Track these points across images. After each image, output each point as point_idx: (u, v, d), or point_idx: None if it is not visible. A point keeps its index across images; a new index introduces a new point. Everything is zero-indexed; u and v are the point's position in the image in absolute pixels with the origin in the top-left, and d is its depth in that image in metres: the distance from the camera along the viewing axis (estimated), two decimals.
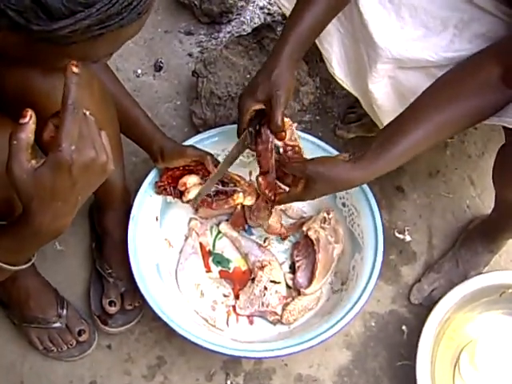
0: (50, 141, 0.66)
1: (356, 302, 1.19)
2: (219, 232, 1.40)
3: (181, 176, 1.24)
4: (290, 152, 1.13)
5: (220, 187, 1.23)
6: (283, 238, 1.42)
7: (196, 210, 1.40)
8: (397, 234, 1.47)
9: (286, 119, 1.11)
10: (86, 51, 0.71)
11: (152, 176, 1.30)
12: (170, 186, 1.25)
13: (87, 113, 0.67)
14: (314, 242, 1.32)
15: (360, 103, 1.28)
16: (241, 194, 1.21)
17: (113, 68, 1.61)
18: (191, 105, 1.51)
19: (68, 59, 0.66)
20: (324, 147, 1.34)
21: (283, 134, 1.07)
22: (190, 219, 1.40)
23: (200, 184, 1.22)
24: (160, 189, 1.25)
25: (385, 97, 1.16)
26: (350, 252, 1.34)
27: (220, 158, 1.34)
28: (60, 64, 0.71)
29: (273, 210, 1.27)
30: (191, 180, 1.23)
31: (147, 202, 1.29)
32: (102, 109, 1.04)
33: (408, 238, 1.46)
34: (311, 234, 1.32)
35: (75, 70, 0.64)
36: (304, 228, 1.34)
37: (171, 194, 1.26)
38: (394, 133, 0.97)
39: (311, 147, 1.31)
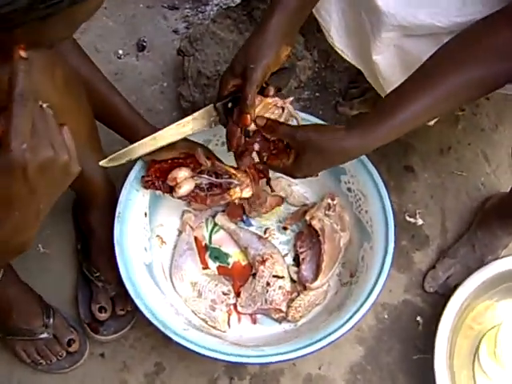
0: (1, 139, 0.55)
1: (367, 297, 1.12)
2: (215, 224, 1.33)
3: (170, 169, 1.14)
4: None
5: (214, 179, 1.12)
6: (285, 228, 1.35)
7: (189, 202, 1.30)
8: (407, 218, 1.40)
9: (275, 98, 1.04)
10: (37, 35, 0.62)
11: (138, 168, 1.21)
12: (159, 181, 1.15)
13: (44, 105, 0.59)
14: (319, 231, 1.24)
15: (363, 76, 1.21)
16: (237, 188, 1.11)
17: (91, 49, 1.55)
18: (178, 86, 1.40)
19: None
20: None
21: (247, 117, 0.97)
22: (183, 212, 1.32)
23: (192, 177, 1.10)
24: (147, 184, 1.16)
25: (390, 68, 1.10)
26: (358, 241, 1.26)
27: (211, 145, 1.24)
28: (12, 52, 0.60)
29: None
30: (182, 174, 1.13)
31: (134, 198, 1.20)
32: (67, 98, 0.95)
33: (420, 222, 1.39)
34: (315, 223, 1.23)
35: (23, 54, 0.56)
36: (307, 217, 1.26)
37: (160, 189, 1.16)
38: (394, 102, 0.91)
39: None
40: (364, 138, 0.91)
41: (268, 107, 1.03)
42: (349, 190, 1.28)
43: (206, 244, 1.32)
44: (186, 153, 1.14)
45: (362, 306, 1.11)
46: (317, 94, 1.51)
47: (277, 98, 1.04)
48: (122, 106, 1.11)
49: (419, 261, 1.35)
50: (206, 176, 1.16)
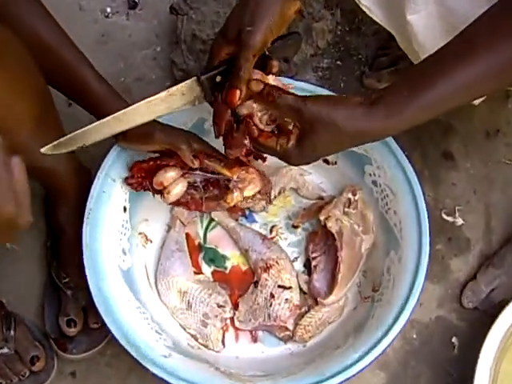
0: None
1: (393, 323, 0.94)
2: (212, 220, 1.15)
3: (156, 169, 0.96)
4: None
5: (209, 175, 0.96)
6: (295, 226, 1.15)
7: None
8: (445, 216, 1.21)
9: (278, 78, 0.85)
10: None
11: (115, 153, 1.02)
12: (146, 181, 0.99)
13: None
14: (336, 235, 1.06)
15: (395, 41, 1.06)
16: (236, 193, 0.95)
17: (74, 7, 1.38)
18: (172, 52, 1.18)
19: None
20: None
21: (235, 92, 0.78)
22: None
23: (183, 176, 0.94)
24: (133, 185, 1.00)
25: (429, 30, 0.95)
26: (384, 247, 1.07)
27: (206, 126, 1.02)
28: None
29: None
30: (169, 175, 0.95)
31: (110, 190, 1.02)
32: (20, 78, 0.78)
33: (459, 221, 1.21)
34: (331, 225, 1.05)
35: None
36: (321, 216, 1.08)
37: (150, 190, 1.00)
38: (432, 71, 0.74)
39: None
40: (390, 118, 0.74)
41: None
42: (374, 183, 1.08)
43: (199, 243, 1.14)
44: (168, 149, 0.92)
45: (386, 334, 0.92)
46: (338, 63, 1.32)
47: (280, 79, 0.85)
48: (90, 79, 0.91)
49: (457, 269, 1.18)
50: (200, 172, 0.97)
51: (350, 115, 0.75)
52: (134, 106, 0.85)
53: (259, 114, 0.81)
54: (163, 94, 0.85)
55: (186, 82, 0.84)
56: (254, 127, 0.81)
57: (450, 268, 1.18)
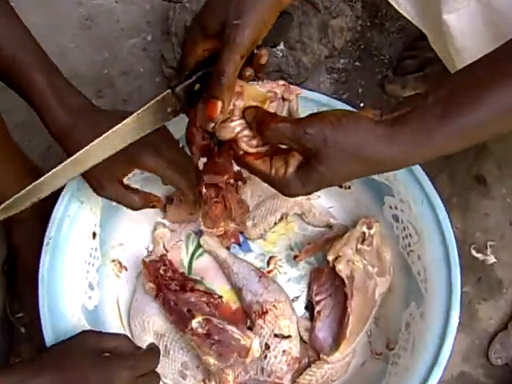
0: None
1: None
2: (199, 246, 1.00)
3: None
4: None
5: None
6: (297, 259, 0.99)
7: (164, 211, 1.00)
8: (474, 253, 1.09)
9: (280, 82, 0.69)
10: None
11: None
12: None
13: None
14: (346, 281, 0.89)
15: (425, 42, 0.97)
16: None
17: None
18: (162, 46, 1.02)
19: None
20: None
21: (215, 104, 0.63)
22: (156, 225, 1.01)
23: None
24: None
25: (469, 33, 0.84)
26: (403, 294, 0.91)
27: None
28: None
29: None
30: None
31: (76, 213, 0.88)
32: None
33: (491, 259, 1.09)
34: (341, 268, 0.89)
35: None
36: (330, 256, 0.91)
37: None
38: (473, 85, 0.61)
39: None
40: (417, 144, 0.60)
41: (258, 99, 0.67)
42: (395, 218, 0.92)
43: (183, 273, 0.97)
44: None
45: None
46: (357, 64, 1.20)
47: (273, 84, 0.68)
48: (32, 68, 0.72)
49: (486, 316, 1.06)
50: None
51: (364, 138, 0.60)
52: (96, 141, 0.68)
53: (245, 139, 0.65)
54: (130, 119, 0.69)
55: (157, 98, 0.68)
56: (238, 149, 0.66)
57: (477, 315, 1.06)
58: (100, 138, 0.68)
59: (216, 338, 0.84)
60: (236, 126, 0.65)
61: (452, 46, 0.85)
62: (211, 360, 0.84)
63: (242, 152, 0.66)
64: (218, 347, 0.83)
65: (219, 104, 0.63)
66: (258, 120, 0.65)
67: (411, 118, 0.60)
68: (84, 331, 0.80)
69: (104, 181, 0.75)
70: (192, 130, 0.66)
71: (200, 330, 0.84)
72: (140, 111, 0.67)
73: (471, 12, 0.81)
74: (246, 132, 0.65)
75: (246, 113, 0.65)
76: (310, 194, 0.66)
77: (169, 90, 0.67)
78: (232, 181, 0.76)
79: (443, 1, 0.80)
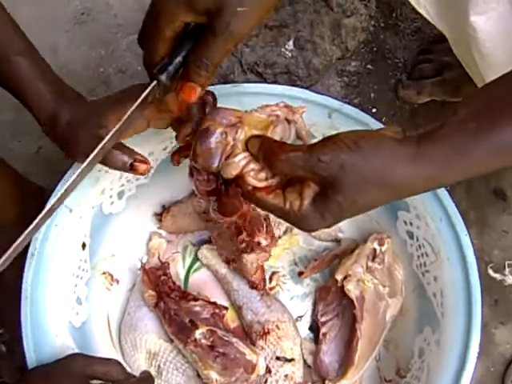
0: None
1: None
2: (197, 259, 0.94)
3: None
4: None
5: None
6: (301, 275, 0.94)
7: (159, 220, 0.96)
8: (491, 273, 1.03)
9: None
10: None
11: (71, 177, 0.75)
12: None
13: None
14: (356, 302, 0.83)
15: (441, 44, 0.97)
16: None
17: None
18: None
19: None
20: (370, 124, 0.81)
21: (194, 91, 0.59)
22: (151, 235, 0.96)
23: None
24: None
25: (498, 37, 0.79)
26: (416, 317, 0.86)
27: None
28: None
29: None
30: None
31: (63, 222, 0.81)
32: None
33: (509, 280, 1.03)
34: (350, 288, 0.83)
35: None
36: (338, 276, 0.85)
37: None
38: (509, 98, 0.55)
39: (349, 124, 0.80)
40: (451, 163, 0.55)
41: (259, 126, 0.63)
42: (410, 235, 0.86)
43: (179, 288, 0.92)
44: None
45: None
46: (369, 67, 1.14)
47: (272, 106, 0.63)
48: (22, 65, 0.68)
49: (503, 341, 1.00)
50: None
51: (387, 161, 0.55)
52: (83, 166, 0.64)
53: (253, 173, 0.60)
54: (120, 125, 0.63)
55: (144, 94, 0.62)
56: (246, 185, 0.61)
57: (493, 339, 1.00)
58: (94, 153, 0.63)
59: (221, 350, 0.80)
60: (240, 161, 0.61)
61: (477, 49, 0.80)
62: (214, 375, 0.80)
63: (250, 187, 0.61)
64: (222, 360, 0.79)
65: (199, 90, 0.59)
66: (264, 151, 0.60)
67: (442, 135, 0.55)
68: (71, 354, 0.74)
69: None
70: (195, 175, 0.64)
71: (204, 342, 0.80)
72: (128, 114, 0.62)
73: (501, 14, 0.77)
74: (253, 165, 0.61)
75: (250, 144, 0.61)
76: (331, 226, 0.60)
77: (155, 83, 0.61)
78: None
79: (471, 1, 0.75)
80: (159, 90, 0.61)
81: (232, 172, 0.61)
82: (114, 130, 0.62)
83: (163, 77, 0.60)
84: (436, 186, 0.59)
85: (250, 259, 0.83)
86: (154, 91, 0.62)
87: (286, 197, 0.59)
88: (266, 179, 0.60)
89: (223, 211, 0.66)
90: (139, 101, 0.62)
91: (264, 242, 0.79)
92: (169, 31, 0.58)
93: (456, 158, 0.54)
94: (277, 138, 0.62)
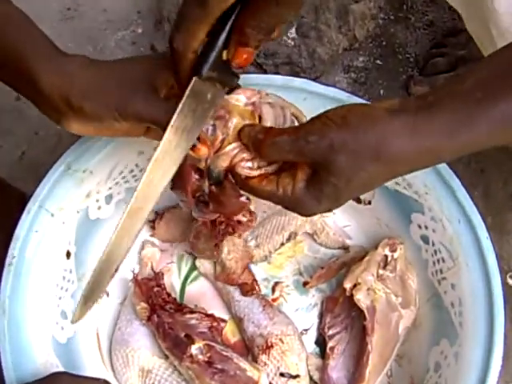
0: None
1: None
2: (194, 268, 0.92)
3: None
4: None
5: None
6: (307, 286, 0.91)
7: (152, 228, 0.93)
8: (510, 282, 1.02)
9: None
10: None
11: (54, 177, 0.78)
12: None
13: None
14: (366, 313, 0.80)
15: (457, 38, 0.99)
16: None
17: None
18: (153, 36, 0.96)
19: None
20: None
21: (250, 53, 0.58)
22: (143, 244, 0.93)
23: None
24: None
25: None
26: (431, 330, 0.82)
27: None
28: None
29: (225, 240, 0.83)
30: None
31: (45, 228, 0.78)
32: None
33: None
34: (361, 298, 0.80)
35: None
36: (347, 284, 0.83)
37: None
38: None
39: None
40: (456, 136, 0.53)
41: (246, 115, 0.62)
42: (425, 239, 0.83)
43: (174, 300, 0.89)
44: None
45: None
46: (378, 62, 1.14)
47: (245, 92, 0.62)
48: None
49: None
50: None
51: (380, 134, 0.53)
52: (145, 176, 0.60)
53: (244, 164, 0.60)
54: (168, 135, 0.59)
55: (186, 94, 0.59)
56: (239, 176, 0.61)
57: None
58: (148, 170, 0.59)
59: (219, 366, 0.77)
60: (230, 151, 0.61)
61: (495, 24, 0.77)
62: None
63: (244, 177, 0.61)
64: (221, 377, 0.77)
65: (254, 53, 0.59)
66: (252, 139, 0.59)
67: (444, 105, 0.53)
68: (56, 373, 0.70)
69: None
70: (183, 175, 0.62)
71: (200, 357, 0.77)
72: (174, 119, 0.58)
73: None
74: (244, 154, 0.61)
75: (242, 134, 0.60)
76: (330, 210, 0.60)
77: (195, 79, 0.59)
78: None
79: None
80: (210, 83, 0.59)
81: (222, 164, 0.61)
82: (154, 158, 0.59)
83: (204, 70, 0.58)
84: (436, 160, 0.57)
85: (232, 259, 0.84)
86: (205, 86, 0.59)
87: (279, 182, 0.59)
88: (259, 168, 0.60)
89: (225, 211, 0.65)
90: (181, 104, 0.58)
91: (244, 219, 0.78)
92: (218, 11, 0.56)
93: (459, 129, 0.52)
94: (270, 125, 0.62)
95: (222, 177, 0.62)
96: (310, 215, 0.61)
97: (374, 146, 0.53)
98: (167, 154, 0.60)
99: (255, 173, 0.60)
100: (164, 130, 0.59)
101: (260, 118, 0.62)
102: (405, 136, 0.53)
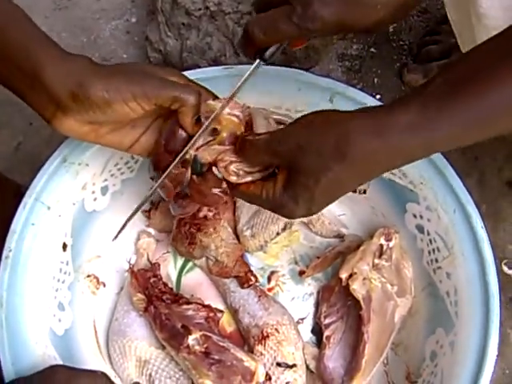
0: None
1: None
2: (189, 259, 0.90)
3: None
4: None
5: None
6: (303, 275, 0.90)
7: (148, 218, 0.92)
8: (505, 269, 1.00)
9: None
10: None
11: (50, 170, 0.77)
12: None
13: None
14: (362, 303, 0.80)
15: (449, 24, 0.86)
16: None
17: None
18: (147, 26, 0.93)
19: None
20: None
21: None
22: (139, 234, 0.92)
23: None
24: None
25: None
26: (427, 318, 0.82)
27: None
28: None
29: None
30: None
31: (41, 221, 0.77)
32: None
33: None
34: (356, 288, 0.80)
35: None
36: (343, 274, 0.82)
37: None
38: (488, 62, 0.53)
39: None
40: (417, 133, 0.53)
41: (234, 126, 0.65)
42: (420, 229, 0.82)
43: (171, 290, 0.87)
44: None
45: None
46: (372, 50, 1.13)
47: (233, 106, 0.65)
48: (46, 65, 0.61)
49: None
50: None
51: (345, 133, 0.54)
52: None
53: (232, 166, 0.63)
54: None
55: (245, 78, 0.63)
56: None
57: (508, 340, 0.96)
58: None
59: (216, 357, 0.76)
60: (219, 148, 0.63)
61: (474, 11, 0.74)
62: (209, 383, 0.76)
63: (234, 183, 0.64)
64: (218, 368, 0.76)
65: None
66: (239, 145, 0.62)
67: (406, 103, 0.53)
68: (53, 366, 0.70)
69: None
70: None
71: (198, 348, 0.77)
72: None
73: None
74: (232, 158, 0.63)
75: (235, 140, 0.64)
76: (312, 213, 0.61)
77: (258, 61, 0.62)
78: None
79: None
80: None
81: (208, 157, 0.63)
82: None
83: (267, 54, 0.61)
84: (407, 157, 0.56)
85: (223, 253, 0.85)
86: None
87: (264, 186, 0.61)
88: (247, 174, 0.62)
89: (203, 201, 0.67)
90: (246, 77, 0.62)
91: (210, 214, 0.81)
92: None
93: (420, 127, 0.52)
94: None
95: (205, 168, 0.63)
96: (292, 217, 0.62)
97: (335, 145, 0.54)
98: None
99: (244, 180, 0.62)
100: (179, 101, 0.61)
101: (247, 127, 0.64)
102: (366, 134, 0.53)
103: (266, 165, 0.62)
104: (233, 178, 0.62)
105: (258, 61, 0.62)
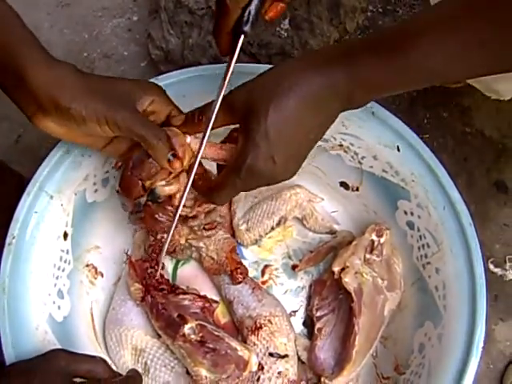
0: None
1: None
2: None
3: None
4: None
5: None
6: (296, 269, 0.91)
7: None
8: (492, 267, 1.00)
9: None
10: None
11: (53, 161, 0.77)
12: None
13: None
14: (354, 296, 0.80)
15: None
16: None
17: None
18: (149, 24, 0.92)
19: None
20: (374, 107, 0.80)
21: (280, 12, 0.64)
22: (136, 229, 0.91)
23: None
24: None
25: None
26: (415, 312, 0.82)
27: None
28: None
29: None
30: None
31: (44, 210, 0.78)
32: None
33: (510, 275, 0.99)
34: (348, 281, 0.79)
35: None
36: (335, 267, 0.82)
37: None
38: (418, 20, 0.58)
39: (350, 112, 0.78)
40: (356, 71, 0.58)
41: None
42: (410, 225, 0.83)
43: (167, 281, 0.87)
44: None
45: None
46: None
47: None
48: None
49: (503, 338, 0.96)
50: None
51: (291, 73, 0.59)
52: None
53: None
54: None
55: (235, 56, 0.63)
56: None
57: (493, 336, 0.96)
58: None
59: (211, 346, 0.77)
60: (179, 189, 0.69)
61: None
62: (203, 372, 0.77)
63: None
64: (212, 356, 0.77)
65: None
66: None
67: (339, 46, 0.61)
68: (53, 350, 0.70)
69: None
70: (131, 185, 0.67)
71: (193, 337, 0.77)
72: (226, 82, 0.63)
73: None
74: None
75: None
76: (270, 182, 0.63)
77: (243, 37, 0.62)
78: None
79: None
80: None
81: (168, 192, 0.68)
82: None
83: (247, 28, 0.61)
84: (345, 104, 0.61)
85: (213, 251, 0.86)
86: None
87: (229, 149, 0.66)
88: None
89: (151, 224, 0.75)
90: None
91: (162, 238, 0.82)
92: None
93: (356, 67, 0.57)
94: None
95: (160, 200, 0.68)
96: (275, 175, 0.62)
97: (278, 82, 0.59)
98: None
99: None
100: (146, 143, 0.62)
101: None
102: (306, 70, 0.59)
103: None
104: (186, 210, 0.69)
105: (242, 36, 0.62)
